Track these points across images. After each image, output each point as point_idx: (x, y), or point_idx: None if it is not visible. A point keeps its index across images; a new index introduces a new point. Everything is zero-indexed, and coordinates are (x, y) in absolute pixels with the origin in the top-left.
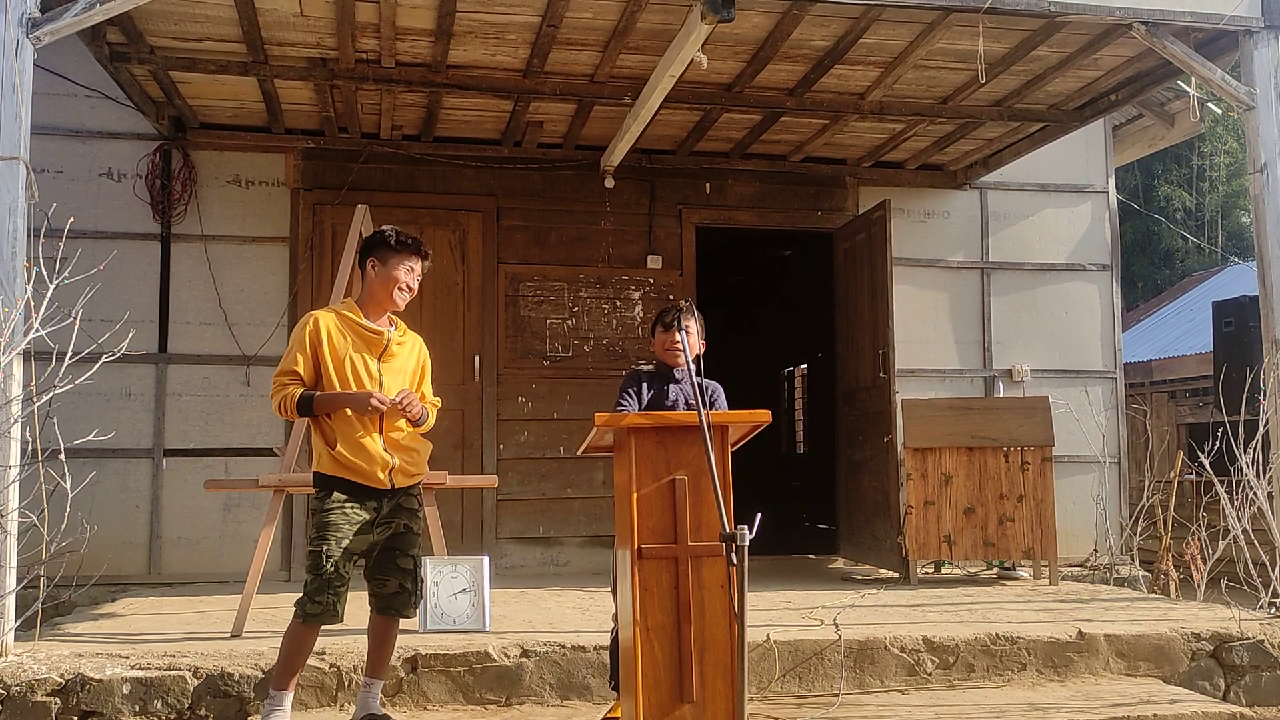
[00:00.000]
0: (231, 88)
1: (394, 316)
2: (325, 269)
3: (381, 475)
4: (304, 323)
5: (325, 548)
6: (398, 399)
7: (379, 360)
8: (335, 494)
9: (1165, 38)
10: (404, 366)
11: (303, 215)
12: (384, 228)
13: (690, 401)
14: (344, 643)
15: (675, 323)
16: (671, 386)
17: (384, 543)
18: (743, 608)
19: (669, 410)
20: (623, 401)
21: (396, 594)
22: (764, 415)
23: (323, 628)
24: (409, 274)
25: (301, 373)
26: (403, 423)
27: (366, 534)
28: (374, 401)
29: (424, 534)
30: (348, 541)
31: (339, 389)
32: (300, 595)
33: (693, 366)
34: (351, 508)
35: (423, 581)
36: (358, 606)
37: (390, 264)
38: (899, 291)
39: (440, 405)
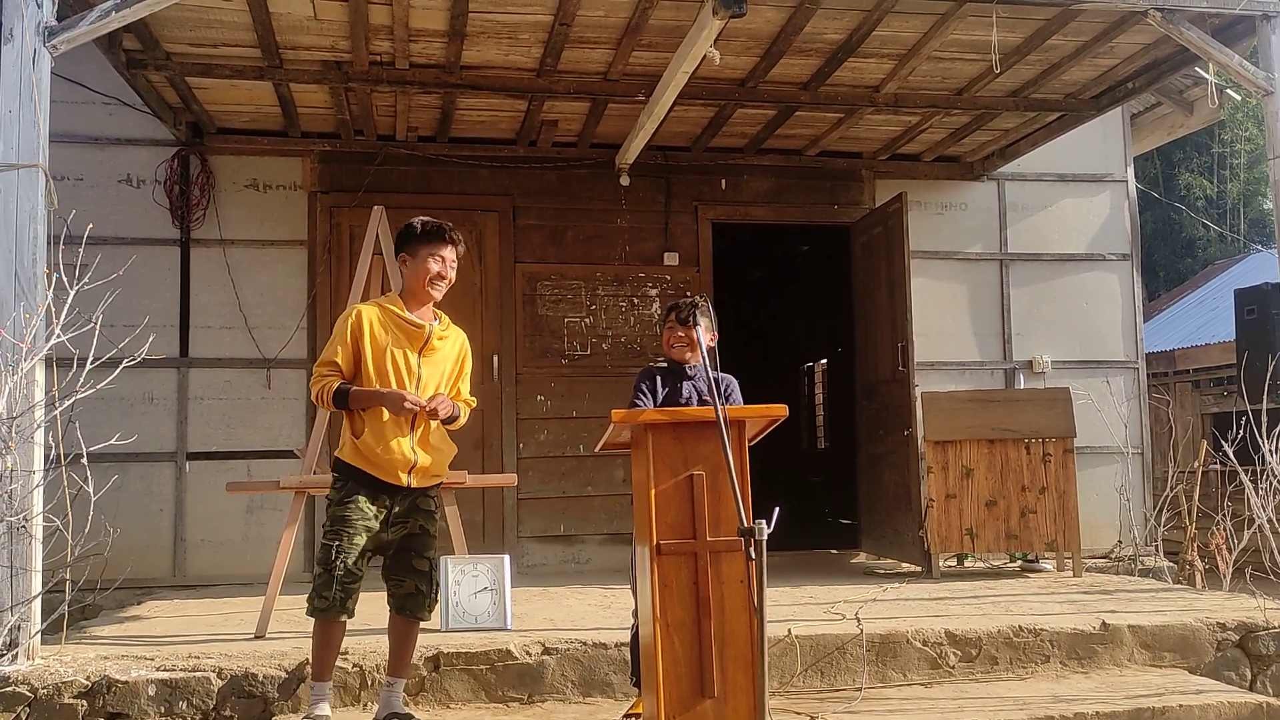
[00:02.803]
0: (247, 92)
1: (438, 310)
2: (343, 271)
3: (402, 474)
4: (346, 315)
5: (338, 544)
6: (429, 403)
7: (419, 354)
8: (350, 484)
9: (1181, 24)
10: (444, 361)
11: (320, 218)
12: (412, 219)
13: (704, 396)
14: (366, 642)
15: (689, 318)
16: (685, 383)
17: (399, 543)
18: (762, 602)
19: (683, 406)
20: (638, 400)
21: (411, 595)
22: (781, 410)
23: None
24: (439, 262)
25: (341, 364)
26: (434, 422)
27: (380, 531)
28: (408, 403)
29: (444, 533)
30: (361, 538)
31: (376, 382)
32: (310, 590)
33: (707, 361)
34: (366, 502)
35: (438, 584)
36: (380, 607)
37: (419, 255)
38: (917, 284)
39: (475, 405)
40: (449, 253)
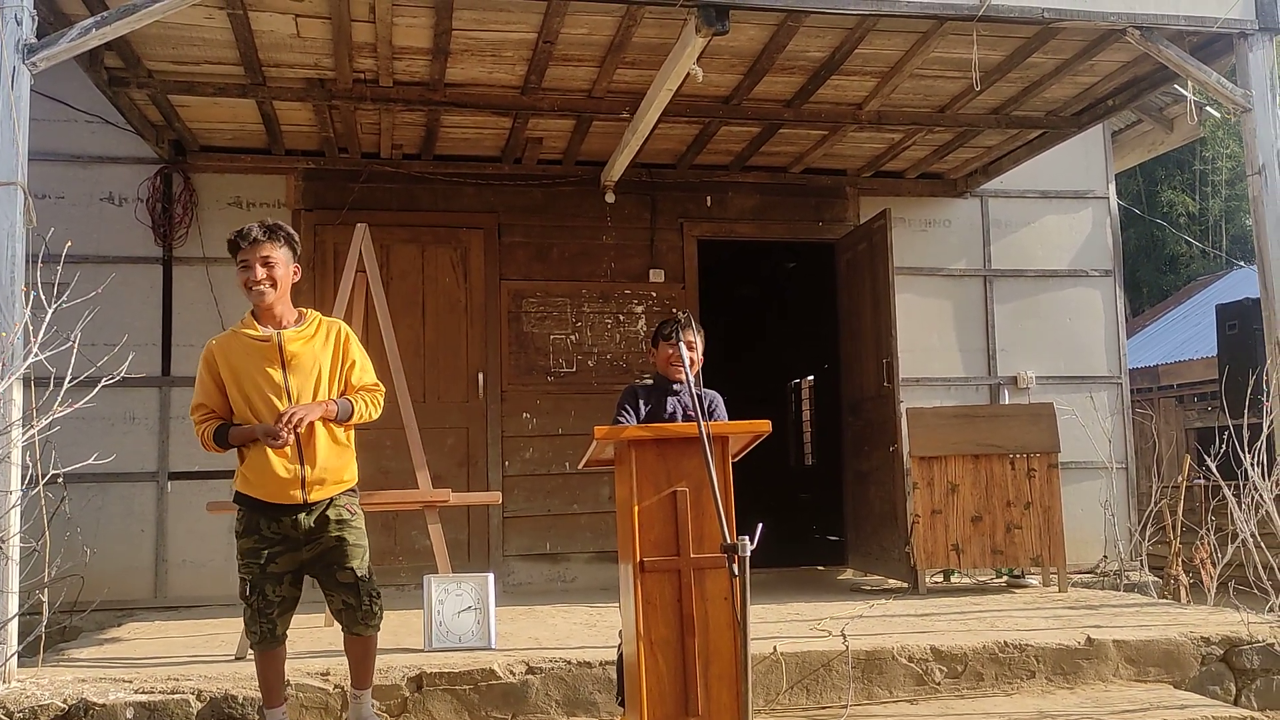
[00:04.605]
0: (230, 110)
1: (304, 310)
2: (327, 289)
3: (293, 492)
4: (202, 354)
5: (250, 578)
6: (281, 421)
7: (283, 368)
8: (248, 515)
9: (1160, 42)
10: (313, 363)
11: (304, 236)
12: None
13: (688, 412)
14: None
15: (674, 335)
16: (669, 398)
17: (319, 560)
18: (745, 618)
19: (667, 422)
20: (620, 417)
21: (341, 610)
22: (764, 425)
23: (318, 646)
24: (246, 267)
25: (210, 405)
26: (320, 427)
27: (294, 553)
28: (274, 434)
29: (428, 552)
30: (274, 566)
31: (247, 411)
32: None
33: (691, 377)
34: (269, 528)
35: (371, 595)
36: None
37: (237, 267)
38: (902, 301)
39: (382, 390)
40: (254, 252)
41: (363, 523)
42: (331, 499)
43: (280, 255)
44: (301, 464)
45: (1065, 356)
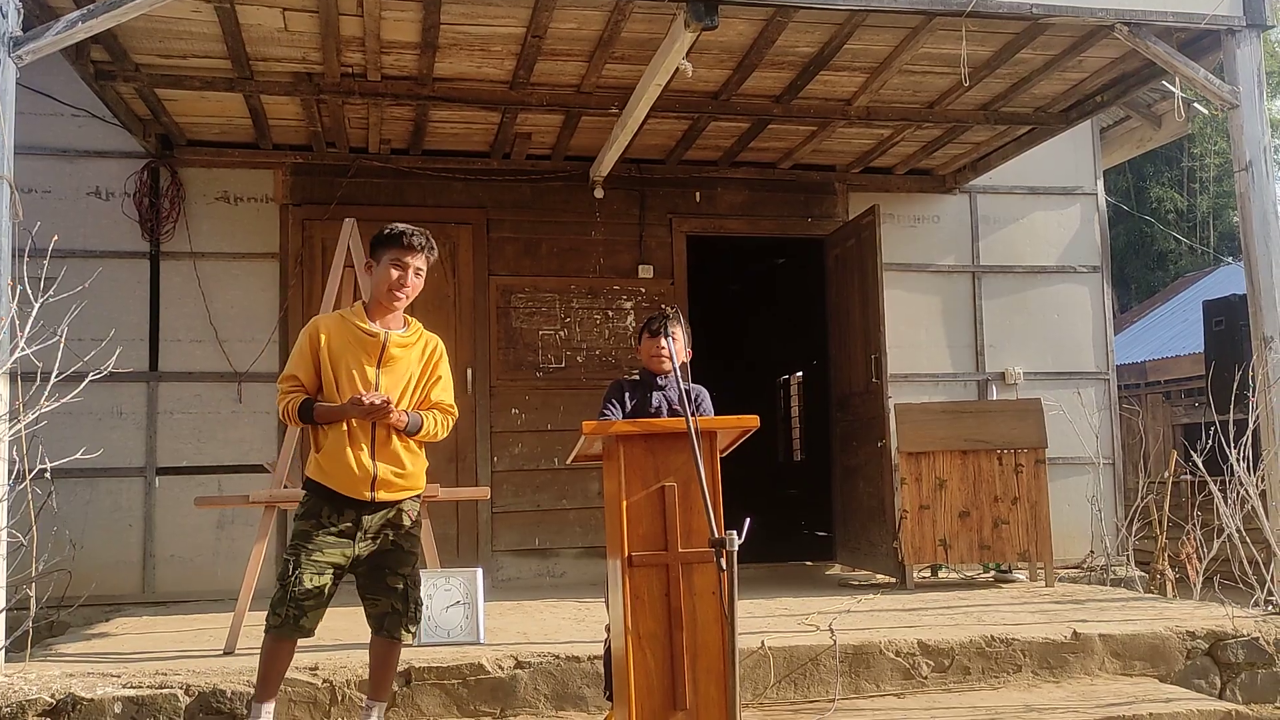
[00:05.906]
0: (218, 104)
1: (409, 318)
2: (315, 284)
3: (363, 489)
4: (306, 328)
5: (294, 559)
6: (376, 399)
7: (378, 364)
8: (314, 501)
9: (1148, 38)
10: (406, 369)
11: (292, 230)
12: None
13: (674, 406)
14: (337, 657)
15: (661, 330)
16: (654, 393)
17: (371, 560)
18: (733, 613)
19: (653, 417)
20: (606, 411)
21: (386, 614)
22: (752, 420)
23: (308, 641)
24: (399, 269)
25: (302, 379)
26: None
27: (346, 546)
28: (363, 403)
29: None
30: (321, 555)
31: (336, 395)
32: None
33: (679, 372)
34: (329, 517)
35: (418, 603)
36: (352, 622)
37: (382, 261)
38: (891, 296)
39: (456, 415)
40: (413, 260)
41: (420, 530)
42: (398, 503)
43: (425, 270)
44: (375, 462)
45: (1053, 352)
